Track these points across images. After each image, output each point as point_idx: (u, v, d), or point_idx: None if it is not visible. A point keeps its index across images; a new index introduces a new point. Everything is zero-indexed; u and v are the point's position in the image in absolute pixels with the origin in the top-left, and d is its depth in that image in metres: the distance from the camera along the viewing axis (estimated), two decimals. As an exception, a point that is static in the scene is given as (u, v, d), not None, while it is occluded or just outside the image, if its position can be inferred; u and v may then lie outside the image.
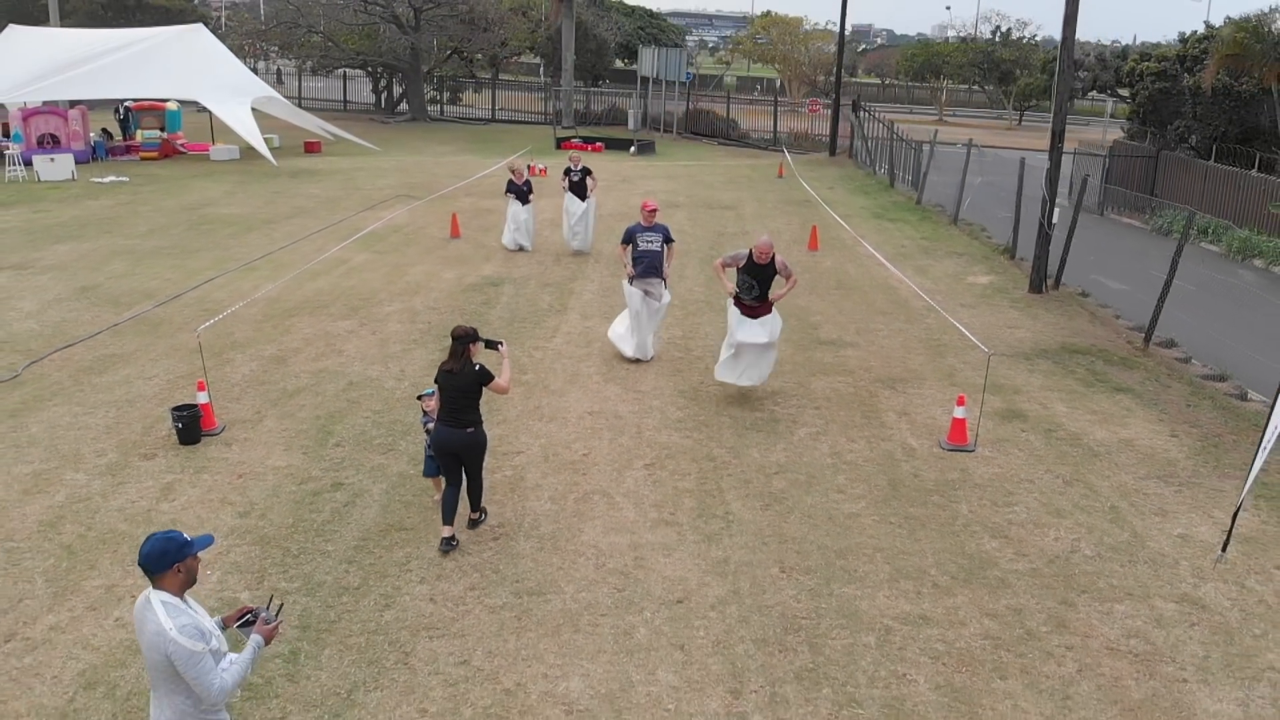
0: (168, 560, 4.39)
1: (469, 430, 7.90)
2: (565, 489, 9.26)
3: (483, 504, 8.50)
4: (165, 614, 4.33)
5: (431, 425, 8.35)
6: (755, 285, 11.14)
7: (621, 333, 12.79)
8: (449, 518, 8.07)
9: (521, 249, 18.72)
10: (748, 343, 11.13)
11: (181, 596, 4.44)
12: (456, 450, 7.94)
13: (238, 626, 4.67)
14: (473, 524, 8.43)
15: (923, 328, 14.81)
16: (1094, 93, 61.00)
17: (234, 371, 11.81)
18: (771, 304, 11.30)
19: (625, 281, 12.57)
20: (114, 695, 6.28)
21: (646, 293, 12.46)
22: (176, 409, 9.85)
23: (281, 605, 5.16)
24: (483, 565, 7.88)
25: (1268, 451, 7.81)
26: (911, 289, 15.83)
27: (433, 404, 8.42)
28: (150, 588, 4.42)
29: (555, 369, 12.47)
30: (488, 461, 8.52)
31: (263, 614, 4.68)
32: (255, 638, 4.59)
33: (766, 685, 6.58)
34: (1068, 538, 8.77)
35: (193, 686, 4.35)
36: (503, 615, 7.24)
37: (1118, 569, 8.30)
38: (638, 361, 12.66)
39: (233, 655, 4.52)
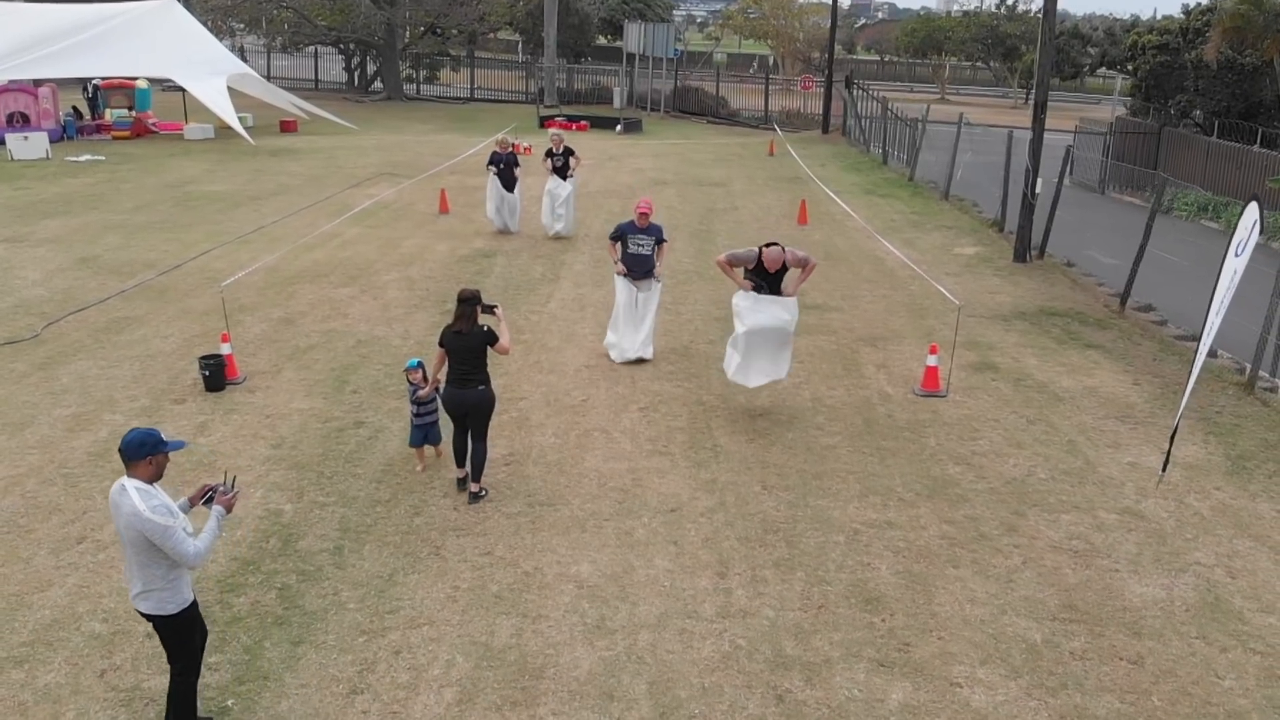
0: (144, 451, 5.66)
1: (479, 388, 9.16)
2: (567, 427, 10.96)
3: (483, 479, 9.34)
4: (139, 498, 5.57)
5: (420, 394, 9.62)
6: (764, 286, 11.14)
7: (611, 340, 13.23)
8: (460, 460, 9.47)
9: (507, 229, 19.74)
10: (765, 326, 10.93)
11: (150, 485, 5.76)
12: (467, 409, 9.22)
13: (203, 503, 6.07)
14: (473, 498, 9.25)
15: (906, 294, 16.57)
16: (1103, 69, 63.09)
17: (246, 331, 13.45)
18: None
19: (616, 276, 13.00)
20: (186, 580, 7.92)
21: (636, 287, 12.91)
22: (203, 358, 11.51)
23: (235, 478, 6.46)
24: (498, 484, 9.56)
25: (1196, 376, 9.57)
26: (898, 259, 17.53)
27: (419, 375, 9.70)
28: (125, 476, 5.77)
29: (552, 330, 14.16)
30: (493, 424, 9.76)
31: (220, 487, 6.11)
32: (217, 508, 5.99)
33: (748, 570, 8.30)
34: (1025, 464, 10.51)
35: (171, 555, 5.69)
36: (519, 520, 8.94)
37: (1068, 488, 10.03)
38: (640, 361, 12.97)
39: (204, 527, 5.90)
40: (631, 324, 12.97)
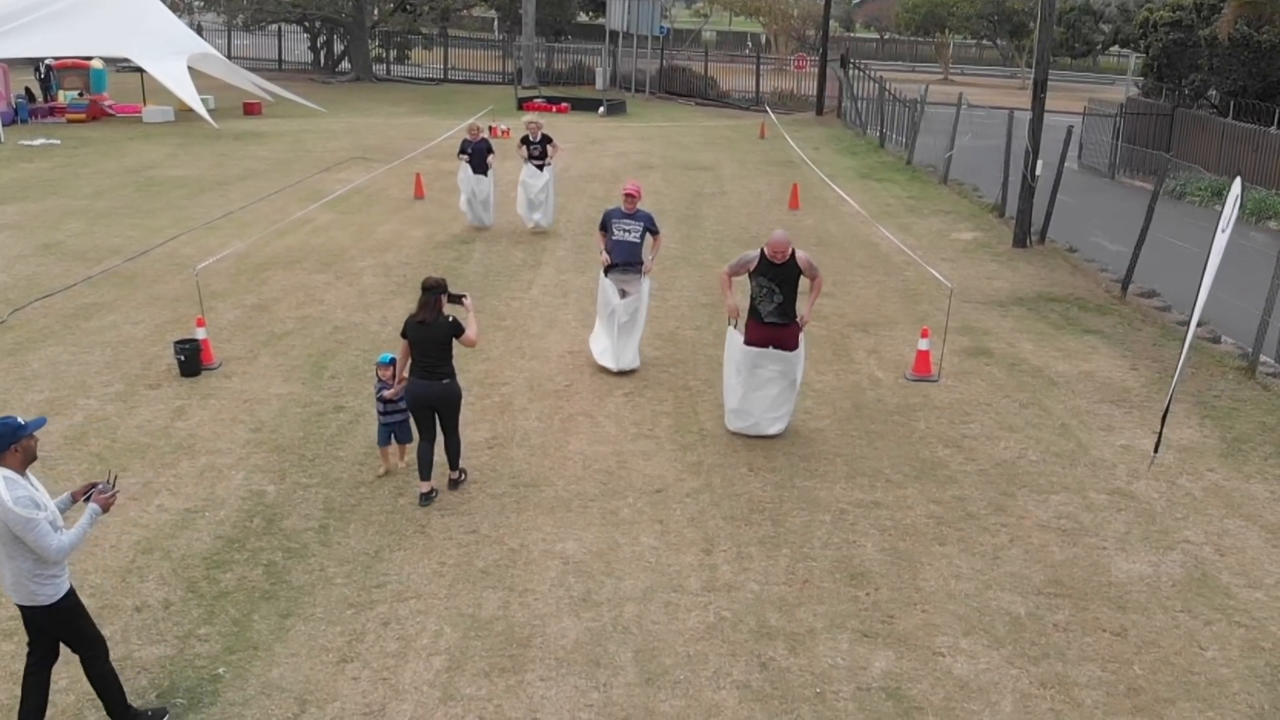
0: (4, 442, 5.94)
1: (444, 381, 9.45)
2: (551, 411, 11.59)
3: (461, 464, 9.77)
4: (5, 487, 5.83)
5: (387, 393, 9.85)
6: (777, 290, 10.52)
7: (599, 346, 13.02)
8: (425, 473, 9.44)
9: (481, 224, 19.65)
10: (757, 394, 10.83)
11: (22, 473, 6.01)
12: (432, 403, 9.49)
13: (84, 500, 6.49)
14: (453, 484, 9.70)
15: (900, 279, 17.25)
16: (1116, 47, 63.93)
17: (219, 317, 14.03)
18: (799, 327, 10.80)
19: (601, 273, 12.93)
20: (170, 557, 8.53)
21: (623, 291, 12.73)
22: (179, 342, 12.10)
23: (116, 477, 6.86)
24: (482, 467, 10.19)
25: (1188, 347, 10.27)
26: (893, 244, 18.21)
27: (389, 372, 9.89)
28: None
29: (534, 316, 14.78)
30: (476, 409, 10.28)
31: (100, 485, 6.56)
32: (92, 506, 6.25)
33: (734, 547, 8.94)
34: (1016, 447, 11.17)
35: (34, 548, 5.90)
36: (504, 500, 9.58)
37: (1059, 470, 10.69)
38: (623, 373, 12.79)
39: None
40: (613, 333, 12.78)
